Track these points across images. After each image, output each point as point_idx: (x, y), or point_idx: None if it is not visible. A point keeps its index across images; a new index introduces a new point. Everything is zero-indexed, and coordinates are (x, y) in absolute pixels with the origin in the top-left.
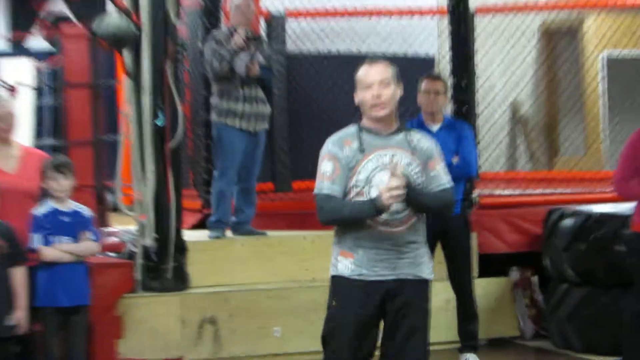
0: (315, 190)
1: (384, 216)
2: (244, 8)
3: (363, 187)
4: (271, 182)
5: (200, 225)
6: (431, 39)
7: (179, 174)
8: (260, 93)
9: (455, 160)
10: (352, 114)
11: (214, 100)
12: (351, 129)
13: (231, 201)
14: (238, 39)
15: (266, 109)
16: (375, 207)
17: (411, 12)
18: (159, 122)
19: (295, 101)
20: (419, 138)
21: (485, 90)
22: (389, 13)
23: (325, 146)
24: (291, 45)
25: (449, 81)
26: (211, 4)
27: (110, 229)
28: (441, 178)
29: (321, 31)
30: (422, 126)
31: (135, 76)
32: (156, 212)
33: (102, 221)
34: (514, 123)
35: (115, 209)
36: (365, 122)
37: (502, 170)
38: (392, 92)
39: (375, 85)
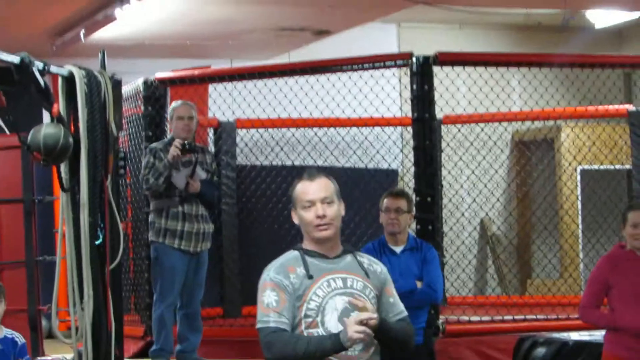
0: (259, 324)
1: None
2: (183, 115)
3: (316, 317)
4: (220, 307)
5: (142, 354)
6: (394, 151)
7: (120, 298)
8: (202, 210)
9: (419, 285)
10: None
11: (152, 217)
12: (292, 253)
13: (173, 327)
14: (173, 151)
15: (209, 227)
16: (340, 343)
17: (373, 123)
18: (98, 242)
19: (246, 218)
20: (369, 261)
21: (453, 205)
22: (349, 123)
23: (265, 274)
24: (242, 158)
25: (413, 197)
26: (153, 110)
27: (44, 358)
28: (399, 306)
29: (275, 142)
30: (384, 247)
31: (72, 191)
32: (95, 340)
33: (36, 349)
34: (483, 243)
35: (51, 335)
36: (307, 244)
37: (470, 295)
38: (337, 210)
39: (317, 203)
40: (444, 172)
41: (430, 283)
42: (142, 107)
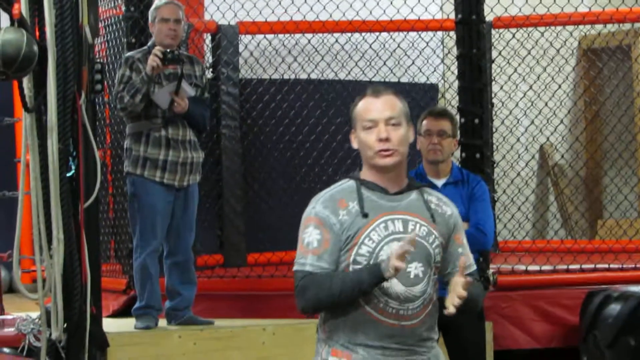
0: (296, 266)
1: (393, 304)
2: (168, 17)
3: (366, 265)
4: (219, 254)
5: (125, 311)
6: (434, 61)
7: (97, 243)
8: (190, 135)
9: (465, 226)
10: (327, 161)
11: (128, 143)
12: (347, 183)
13: (161, 280)
14: (152, 61)
15: (197, 155)
16: (380, 272)
17: (408, 27)
18: (70, 174)
19: (251, 144)
20: (438, 200)
21: (506, 128)
22: (377, 27)
23: (311, 206)
24: (246, 70)
25: (457, 119)
26: (137, 11)
27: (3, 317)
28: (469, 258)
29: (287, 51)
30: (422, 180)
31: (37, 112)
32: (66, 295)
33: None
34: (543, 175)
35: (12, 289)
36: (365, 174)
37: (527, 239)
38: (404, 135)
39: (381, 124)
40: (494, 88)
41: (478, 224)
42: (123, 7)
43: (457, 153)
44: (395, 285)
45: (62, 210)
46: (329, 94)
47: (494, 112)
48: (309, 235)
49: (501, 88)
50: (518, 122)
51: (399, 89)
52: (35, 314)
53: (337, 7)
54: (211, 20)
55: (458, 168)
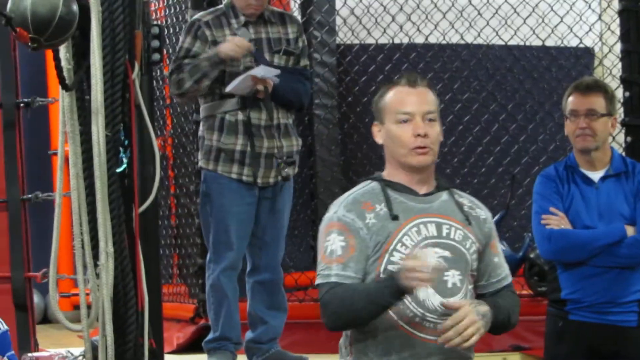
0: (319, 279)
1: (431, 318)
2: None
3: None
4: (314, 271)
5: (194, 345)
6: (588, 19)
7: (157, 259)
8: (281, 116)
9: (631, 231)
10: (451, 151)
11: (202, 130)
12: (370, 185)
13: (239, 303)
14: (230, 50)
15: (291, 143)
16: (397, 287)
17: None
18: (121, 169)
19: (353, 129)
20: (470, 202)
21: None
22: None
23: (332, 211)
24: (345, 33)
25: (620, 92)
26: None
27: (38, 355)
28: (504, 269)
29: (398, 8)
30: (574, 174)
31: (78, 90)
32: (118, 325)
33: (25, 339)
34: None
35: (47, 318)
36: (391, 174)
37: None
38: (439, 131)
39: (417, 117)
40: None
41: None
42: None
43: (620, 137)
44: (431, 297)
45: (112, 216)
46: (453, 62)
47: None
48: (332, 242)
49: None
50: None
51: (544, 54)
52: (78, 350)
53: None
54: None
55: (620, 156)
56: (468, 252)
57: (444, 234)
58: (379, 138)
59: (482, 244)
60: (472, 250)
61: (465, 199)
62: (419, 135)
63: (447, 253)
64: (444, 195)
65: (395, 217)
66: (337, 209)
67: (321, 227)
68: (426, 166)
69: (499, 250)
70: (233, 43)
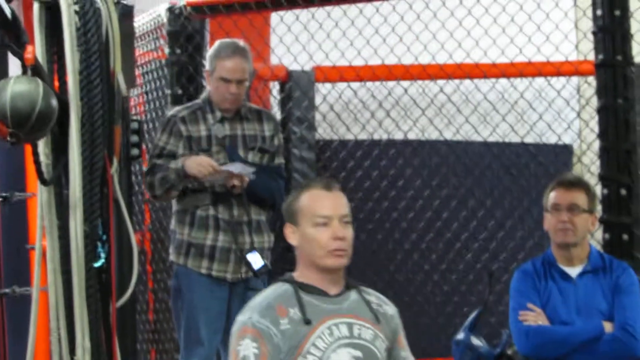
0: None
1: None
2: (231, 77)
3: None
4: None
5: None
6: (567, 115)
7: (135, 354)
8: (253, 213)
9: (608, 328)
10: (430, 247)
11: (173, 224)
12: (282, 288)
13: None
14: (194, 168)
15: (262, 239)
16: None
17: (533, 71)
18: (99, 264)
19: None
20: (377, 299)
21: None
22: (495, 72)
23: (246, 316)
24: (324, 129)
25: (598, 190)
26: (184, 55)
27: None
28: None
29: (377, 104)
30: (552, 269)
31: (57, 185)
32: None
33: None
34: None
35: None
36: (303, 274)
37: None
38: (352, 234)
39: (335, 221)
40: None
41: (626, 324)
42: (167, 49)
43: (598, 234)
44: None
45: (89, 310)
46: (432, 158)
47: None
48: (245, 348)
49: None
50: None
51: (523, 150)
52: None
53: (442, 46)
54: (280, 65)
55: (598, 253)
56: (379, 351)
57: (356, 334)
58: (292, 240)
59: (391, 341)
60: (382, 349)
61: (373, 296)
62: (338, 237)
63: (359, 353)
64: (353, 294)
65: (308, 322)
66: (251, 314)
67: (234, 330)
68: (341, 268)
69: (404, 344)
70: (197, 163)
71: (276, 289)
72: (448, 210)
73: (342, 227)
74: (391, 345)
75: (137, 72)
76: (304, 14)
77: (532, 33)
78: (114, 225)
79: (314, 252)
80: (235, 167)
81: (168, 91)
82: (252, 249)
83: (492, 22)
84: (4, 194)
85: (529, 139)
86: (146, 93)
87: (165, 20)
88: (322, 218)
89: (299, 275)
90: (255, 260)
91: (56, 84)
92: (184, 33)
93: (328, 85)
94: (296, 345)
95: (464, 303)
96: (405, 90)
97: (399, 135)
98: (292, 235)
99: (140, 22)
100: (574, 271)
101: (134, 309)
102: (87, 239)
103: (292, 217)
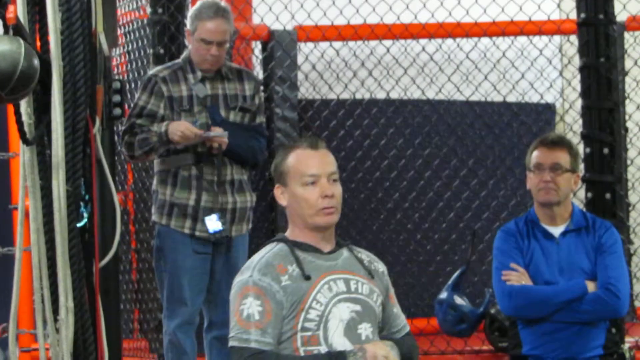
0: (235, 342)
1: None
2: (212, 39)
3: (317, 330)
4: None
5: None
6: (550, 74)
7: (117, 313)
8: (235, 172)
9: (591, 287)
10: (413, 206)
11: (155, 184)
12: (278, 247)
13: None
14: (177, 134)
15: (244, 199)
16: None
17: (515, 30)
18: (81, 224)
19: None
20: (369, 258)
21: None
22: (476, 31)
23: (246, 275)
24: (307, 88)
25: (581, 148)
26: (166, 14)
27: None
28: (402, 318)
29: (360, 63)
30: (534, 228)
31: (39, 145)
32: None
33: None
34: None
35: None
36: (296, 234)
37: None
38: (341, 190)
39: (323, 179)
40: (629, 108)
41: (608, 284)
42: (149, 9)
43: (581, 193)
44: (348, 348)
45: (72, 270)
46: (415, 117)
47: (628, 140)
48: (249, 306)
49: (638, 108)
50: None
51: (505, 110)
52: None
53: (424, 5)
54: (262, 24)
55: (581, 212)
56: (375, 305)
57: (353, 289)
58: (282, 200)
59: (384, 296)
60: (378, 302)
61: (364, 254)
62: (327, 195)
63: (358, 307)
64: (345, 252)
65: (307, 277)
66: (251, 272)
67: (234, 291)
68: (332, 225)
69: (395, 300)
70: (180, 130)
71: (271, 248)
72: (430, 169)
73: (331, 184)
74: (384, 300)
75: (119, 31)
76: None
77: None
78: (96, 185)
79: (304, 212)
80: (215, 133)
81: (150, 51)
82: (212, 212)
83: None
84: None
85: (511, 98)
86: (128, 53)
87: None
88: (310, 177)
89: (291, 234)
90: (212, 224)
91: (38, 43)
92: None
93: (310, 45)
94: (298, 301)
95: (446, 262)
96: (388, 50)
97: (381, 95)
98: (281, 196)
99: None
100: (556, 230)
101: (117, 268)
102: (70, 198)
103: (280, 177)
